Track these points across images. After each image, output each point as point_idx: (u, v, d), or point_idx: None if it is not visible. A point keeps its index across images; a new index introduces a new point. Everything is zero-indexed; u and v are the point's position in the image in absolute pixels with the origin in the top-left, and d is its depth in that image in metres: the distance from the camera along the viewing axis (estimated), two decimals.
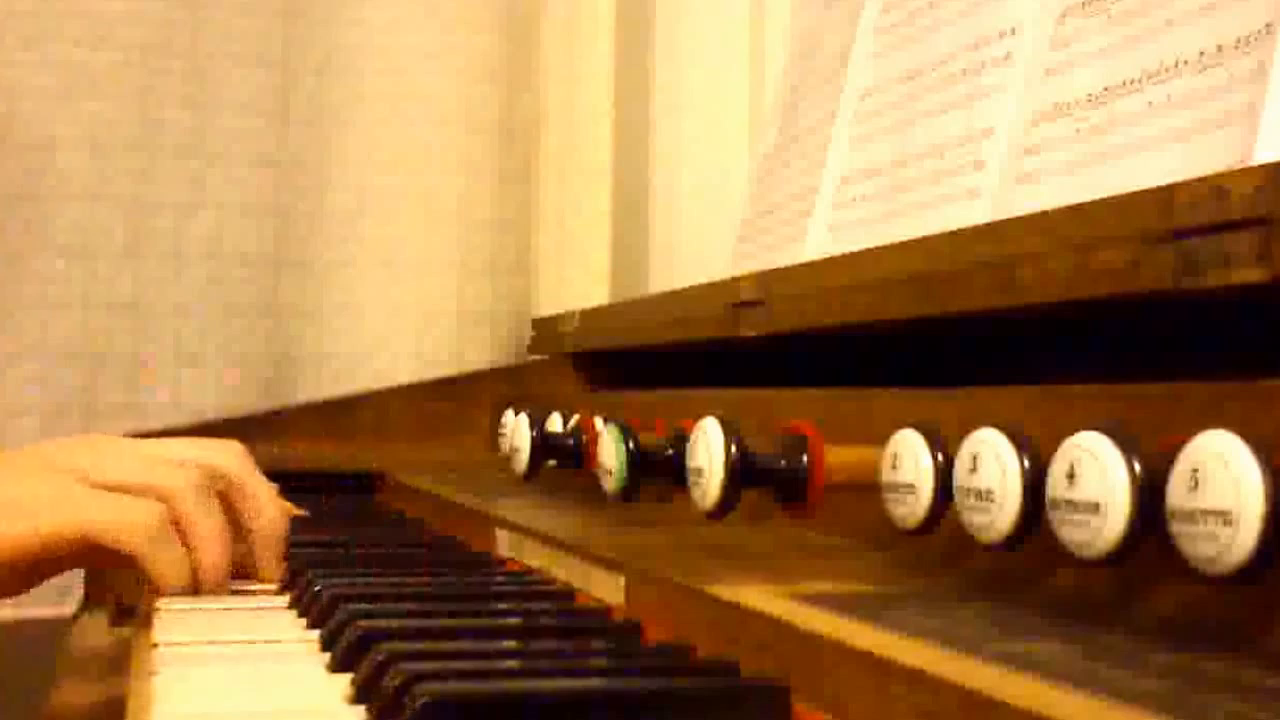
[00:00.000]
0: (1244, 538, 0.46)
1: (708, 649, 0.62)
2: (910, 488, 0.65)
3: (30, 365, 1.58)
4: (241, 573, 0.87)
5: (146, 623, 0.78)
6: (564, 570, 0.83)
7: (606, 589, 0.75)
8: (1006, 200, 0.89)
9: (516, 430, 1.03)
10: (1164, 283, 0.59)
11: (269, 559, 0.89)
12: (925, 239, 0.80)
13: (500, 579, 0.88)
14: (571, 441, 1.02)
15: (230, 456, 0.90)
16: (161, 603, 0.81)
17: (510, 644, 0.69)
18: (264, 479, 0.91)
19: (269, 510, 0.89)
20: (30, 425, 1.58)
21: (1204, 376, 0.54)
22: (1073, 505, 0.53)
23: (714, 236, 1.52)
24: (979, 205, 0.92)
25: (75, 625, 0.99)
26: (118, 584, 1.02)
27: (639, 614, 0.71)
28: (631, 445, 0.85)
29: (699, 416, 0.78)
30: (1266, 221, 0.54)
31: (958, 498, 0.61)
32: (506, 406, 1.26)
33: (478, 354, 1.71)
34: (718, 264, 1.35)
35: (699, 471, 0.76)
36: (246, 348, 1.66)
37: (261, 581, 0.88)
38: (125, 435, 1.48)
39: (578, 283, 1.75)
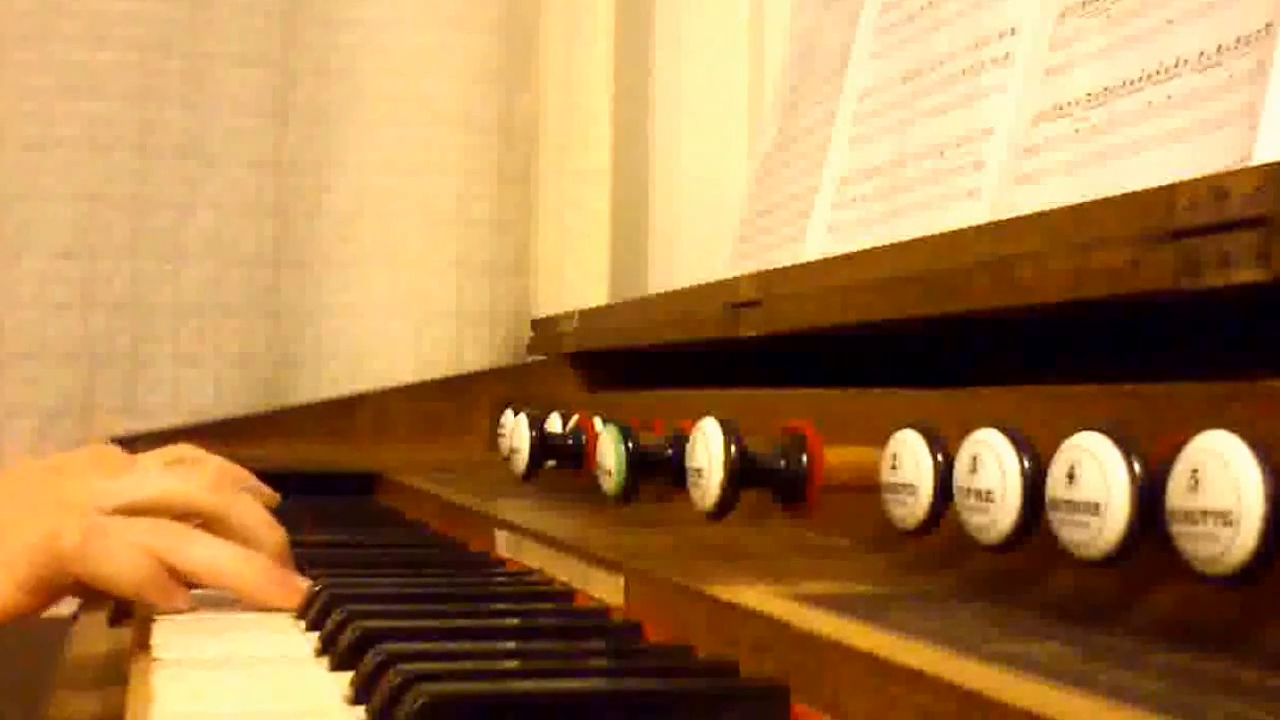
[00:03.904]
0: (1244, 538, 0.46)
1: (707, 649, 0.62)
2: (910, 488, 0.65)
3: (29, 365, 1.58)
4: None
5: (145, 624, 0.78)
6: (563, 571, 0.83)
7: (606, 589, 0.75)
8: (1006, 200, 0.89)
9: (516, 431, 1.03)
10: (1164, 283, 0.59)
11: (275, 585, 0.81)
12: (925, 239, 0.80)
13: (500, 579, 0.88)
14: (571, 442, 1.02)
15: (200, 485, 0.85)
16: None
17: (510, 644, 0.69)
18: (247, 502, 0.86)
19: (261, 536, 0.84)
20: (29, 425, 1.58)
21: (1204, 376, 0.54)
22: (1073, 505, 0.53)
23: (713, 236, 1.52)
24: (979, 205, 0.92)
25: (74, 625, 0.99)
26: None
27: (639, 614, 0.70)
28: (631, 445, 0.85)
29: (698, 417, 0.78)
30: (1266, 221, 0.54)
31: (958, 498, 0.61)
32: (506, 407, 1.26)
33: (477, 354, 1.71)
34: (717, 264, 1.35)
35: (698, 472, 0.76)
36: (246, 348, 1.66)
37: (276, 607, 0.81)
38: (118, 439, 1.48)
39: (577, 283, 1.75)
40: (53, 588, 0.80)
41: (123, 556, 0.79)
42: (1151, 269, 0.60)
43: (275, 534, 0.86)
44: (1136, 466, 0.51)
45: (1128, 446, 0.51)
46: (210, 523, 0.84)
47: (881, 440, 0.67)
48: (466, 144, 1.72)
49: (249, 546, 0.83)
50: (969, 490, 0.59)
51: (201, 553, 0.81)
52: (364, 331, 1.69)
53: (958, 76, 0.99)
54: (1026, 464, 0.57)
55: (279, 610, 0.80)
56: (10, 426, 1.57)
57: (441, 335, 1.70)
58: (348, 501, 1.35)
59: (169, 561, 0.80)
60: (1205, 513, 0.47)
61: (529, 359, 1.68)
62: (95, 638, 0.90)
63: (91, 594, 0.83)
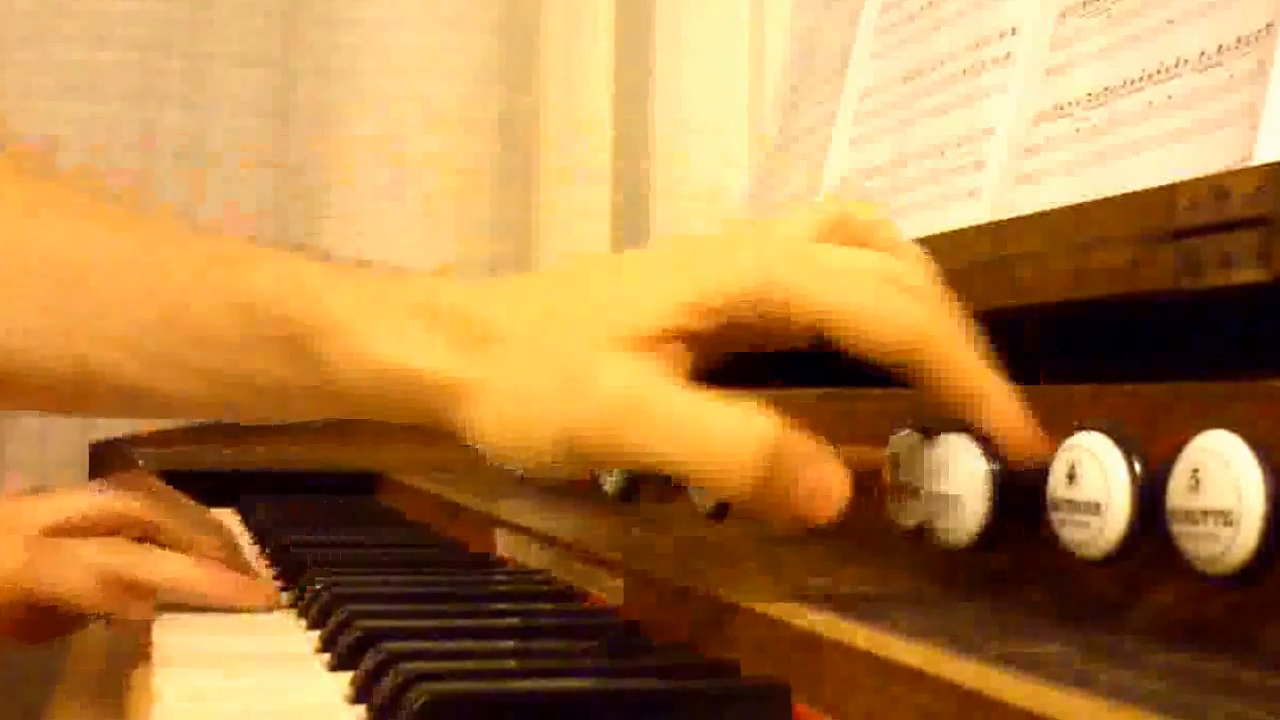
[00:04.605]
0: (1244, 538, 0.46)
1: (708, 649, 0.62)
2: (913, 489, 0.65)
3: None
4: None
5: (145, 624, 0.78)
6: (564, 570, 0.83)
7: (606, 589, 0.75)
8: (1006, 200, 0.89)
9: None
10: (1164, 283, 0.59)
11: (238, 590, 0.81)
12: (925, 239, 0.79)
13: (500, 579, 0.88)
14: None
15: (133, 497, 0.83)
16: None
17: (510, 644, 0.69)
18: (184, 504, 0.85)
19: (202, 537, 0.83)
20: (30, 425, 1.58)
21: (1204, 376, 0.54)
22: (1073, 505, 0.53)
23: None
24: (979, 205, 0.92)
25: None
26: None
27: (639, 614, 0.70)
28: None
29: None
30: (1266, 221, 0.54)
31: None
32: None
33: None
34: None
35: None
36: None
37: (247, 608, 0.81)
38: (118, 439, 1.48)
39: None
40: (2, 611, 0.79)
41: (75, 571, 0.79)
42: (1152, 269, 0.60)
43: (217, 534, 0.85)
44: (1137, 466, 0.51)
45: (1128, 446, 0.51)
46: (149, 530, 0.83)
47: (881, 440, 0.67)
48: (466, 144, 1.72)
49: (194, 548, 0.82)
50: None
51: (157, 566, 0.80)
52: None
53: (958, 76, 0.99)
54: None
55: (248, 612, 0.80)
56: (11, 426, 1.57)
57: None
58: (348, 501, 1.35)
59: (126, 578, 0.79)
60: (1206, 512, 0.47)
61: None
62: (95, 638, 0.90)
63: (46, 613, 0.81)
